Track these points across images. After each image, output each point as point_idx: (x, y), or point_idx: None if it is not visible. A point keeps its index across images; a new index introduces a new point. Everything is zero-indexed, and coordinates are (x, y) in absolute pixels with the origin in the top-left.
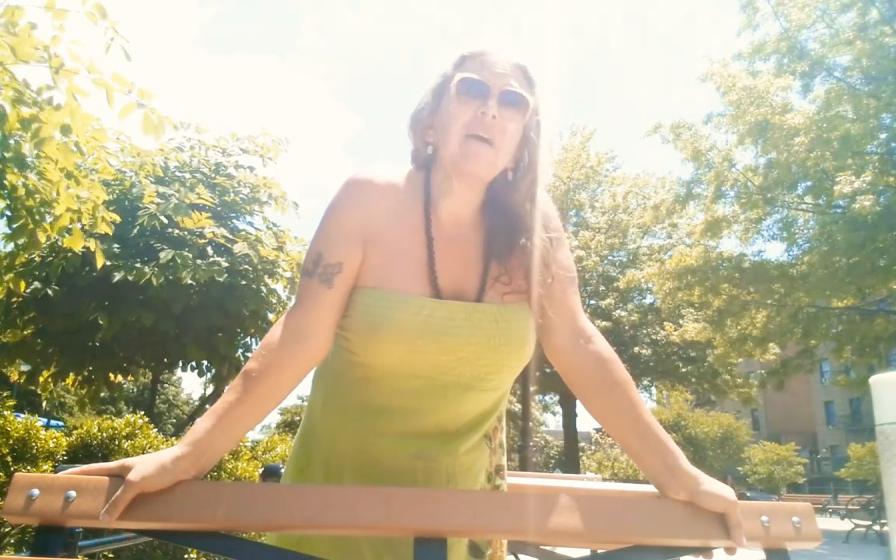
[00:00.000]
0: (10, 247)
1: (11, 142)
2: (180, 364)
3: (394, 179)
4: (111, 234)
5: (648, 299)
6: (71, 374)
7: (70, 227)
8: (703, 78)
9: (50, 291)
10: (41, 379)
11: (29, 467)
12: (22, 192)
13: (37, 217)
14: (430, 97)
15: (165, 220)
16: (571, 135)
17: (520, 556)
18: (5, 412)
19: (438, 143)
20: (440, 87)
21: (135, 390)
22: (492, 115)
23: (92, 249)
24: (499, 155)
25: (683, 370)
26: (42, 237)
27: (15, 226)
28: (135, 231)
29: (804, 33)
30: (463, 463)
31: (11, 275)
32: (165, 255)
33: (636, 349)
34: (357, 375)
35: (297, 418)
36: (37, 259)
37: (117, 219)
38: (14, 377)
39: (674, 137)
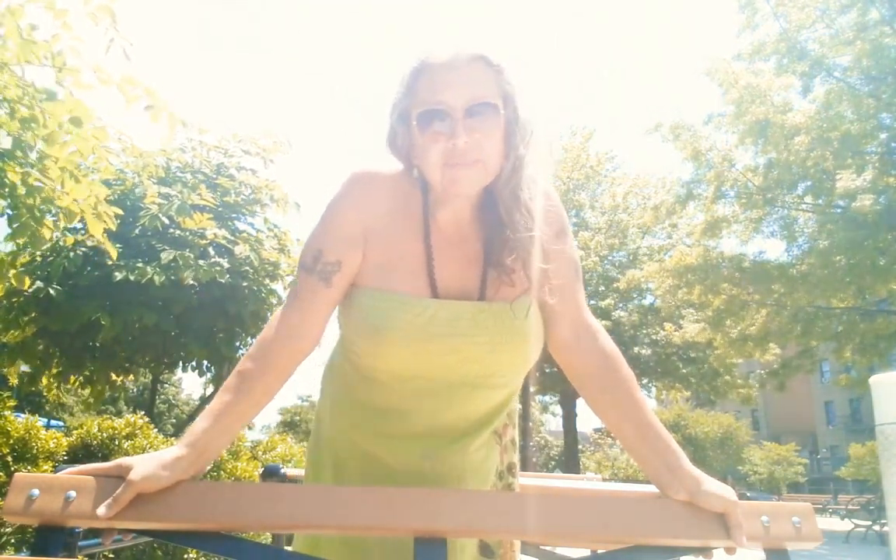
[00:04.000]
0: (11, 246)
1: (9, 140)
2: (180, 364)
3: (396, 177)
4: (114, 229)
5: (648, 300)
6: (72, 375)
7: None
8: (706, 74)
9: (52, 291)
10: (43, 381)
11: (29, 467)
12: (22, 190)
13: (38, 214)
14: (398, 125)
15: (167, 221)
16: (571, 135)
17: (520, 556)
18: (6, 412)
19: (421, 170)
20: (402, 115)
21: (135, 390)
22: (462, 141)
23: (101, 243)
24: (485, 168)
25: (684, 371)
26: (47, 234)
27: (16, 225)
28: (136, 231)
29: (804, 33)
30: (473, 461)
31: (14, 271)
32: (167, 255)
33: (636, 349)
34: (363, 377)
35: (297, 418)
36: (38, 259)
37: (120, 211)
38: (13, 380)
39: (673, 138)
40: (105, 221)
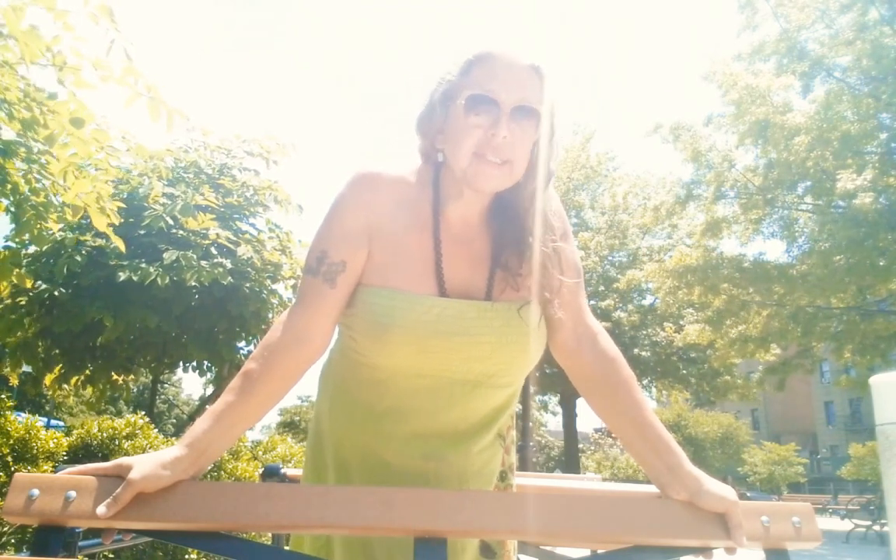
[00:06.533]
0: (14, 244)
1: (12, 133)
2: (181, 364)
3: (401, 176)
4: (118, 223)
5: (648, 300)
6: (73, 376)
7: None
8: (705, 76)
9: (56, 292)
10: (46, 382)
11: (29, 467)
12: (25, 189)
13: (42, 211)
14: (439, 103)
15: (171, 221)
16: (572, 135)
17: (520, 556)
18: (6, 412)
19: (448, 154)
20: (447, 94)
21: (135, 390)
22: (503, 135)
23: (104, 245)
24: (512, 170)
25: (684, 371)
26: (54, 227)
27: (21, 221)
28: (140, 231)
29: (804, 34)
30: (475, 463)
31: (18, 270)
32: (169, 255)
33: (636, 350)
34: (364, 376)
35: (297, 418)
36: (40, 259)
37: (121, 205)
38: (14, 380)
39: (673, 139)
40: (109, 216)
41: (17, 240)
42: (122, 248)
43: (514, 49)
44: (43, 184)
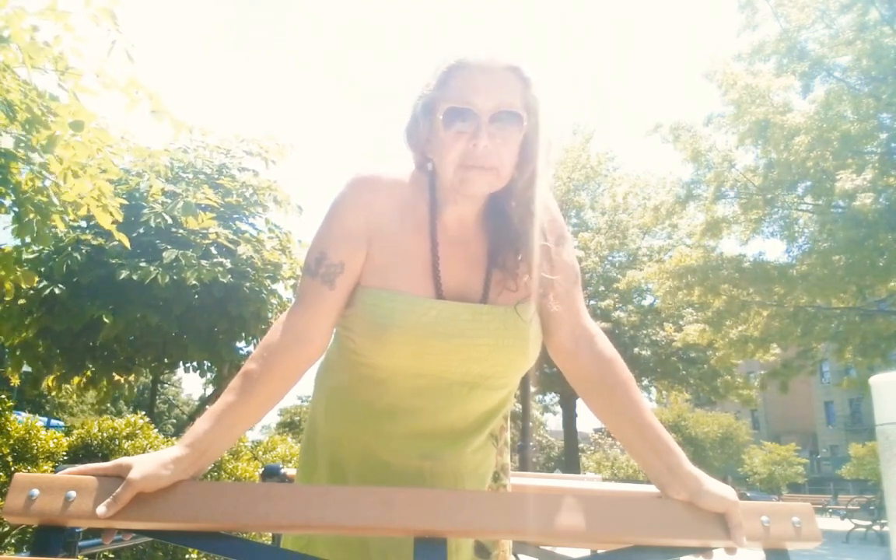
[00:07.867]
0: (17, 242)
1: (11, 140)
2: (181, 364)
3: (399, 179)
4: (121, 220)
5: (648, 300)
6: (74, 376)
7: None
8: (706, 75)
9: (56, 290)
10: (46, 383)
11: (29, 467)
12: (27, 187)
13: (43, 210)
14: (421, 115)
15: (171, 220)
16: (572, 135)
17: (520, 556)
18: (6, 412)
19: (436, 164)
20: (427, 107)
21: (135, 390)
22: (483, 145)
23: (104, 244)
24: (499, 174)
25: (683, 372)
26: (61, 226)
27: (24, 221)
28: (141, 230)
29: (804, 34)
30: (469, 463)
31: (22, 269)
32: (169, 254)
33: (636, 350)
34: (362, 376)
35: (297, 418)
36: (36, 257)
37: (123, 201)
38: (15, 381)
39: (673, 138)
40: (112, 214)
41: (20, 237)
42: (127, 244)
43: (490, 52)
44: (45, 183)
